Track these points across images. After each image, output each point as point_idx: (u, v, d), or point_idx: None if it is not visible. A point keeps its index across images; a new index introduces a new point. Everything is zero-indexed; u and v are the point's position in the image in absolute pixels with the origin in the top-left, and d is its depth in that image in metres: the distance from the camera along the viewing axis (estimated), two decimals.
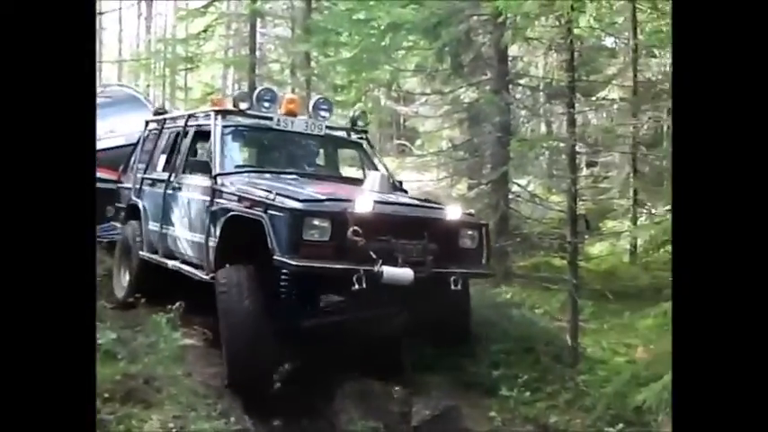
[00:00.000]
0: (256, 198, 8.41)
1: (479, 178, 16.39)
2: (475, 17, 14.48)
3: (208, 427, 7.12)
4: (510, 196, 14.53)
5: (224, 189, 9.16)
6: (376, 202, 8.23)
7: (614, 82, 16.79)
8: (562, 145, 11.18)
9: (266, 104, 10.24)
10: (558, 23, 10.97)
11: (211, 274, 8.91)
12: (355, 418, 8.34)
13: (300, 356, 8.76)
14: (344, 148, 11.64)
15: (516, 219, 14.75)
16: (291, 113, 10.34)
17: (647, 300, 9.70)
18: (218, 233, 8.97)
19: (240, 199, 8.76)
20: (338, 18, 19.47)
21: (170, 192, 10.55)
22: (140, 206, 11.34)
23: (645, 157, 15.85)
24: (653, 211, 15.42)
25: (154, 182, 11.25)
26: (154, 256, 10.75)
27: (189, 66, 26.10)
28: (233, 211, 8.77)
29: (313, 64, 21.11)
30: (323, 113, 10.57)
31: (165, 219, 10.57)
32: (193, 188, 9.98)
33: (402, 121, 30.04)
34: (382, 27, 15.90)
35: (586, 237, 14.18)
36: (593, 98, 16.72)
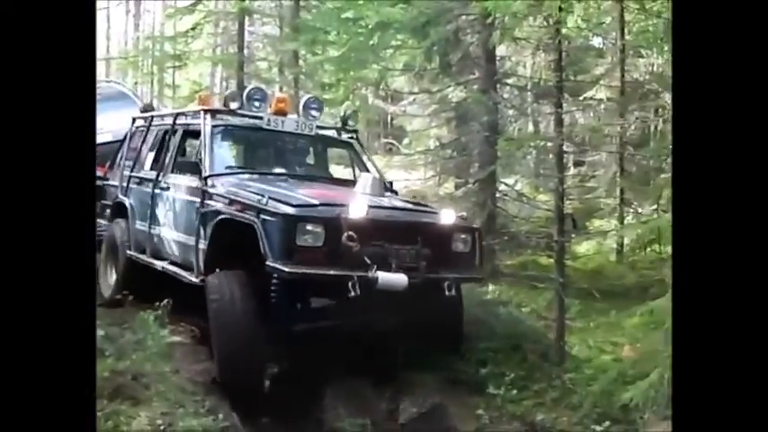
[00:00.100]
0: (248, 202, 8.33)
1: (467, 177, 16.43)
2: (463, 17, 14.51)
3: (196, 423, 7.11)
4: (497, 195, 14.55)
5: (214, 191, 9.07)
6: (369, 206, 8.15)
7: (602, 82, 16.84)
8: (549, 144, 11.22)
9: (257, 104, 10.12)
10: (546, 24, 11.01)
11: (201, 277, 8.83)
12: (342, 416, 8.37)
13: (292, 358, 8.75)
14: (335, 147, 11.55)
15: (503, 217, 14.79)
16: (281, 112, 10.21)
17: (634, 298, 9.77)
18: (208, 236, 8.87)
19: (231, 202, 8.67)
20: (326, 17, 19.50)
21: (158, 191, 10.43)
22: (127, 204, 11.22)
23: (632, 156, 15.89)
24: (639, 210, 15.50)
25: (141, 180, 11.12)
26: (141, 256, 10.62)
27: (177, 63, 26.07)
28: (223, 214, 8.68)
29: (301, 62, 21.12)
30: (313, 113, 10.42)
31: (153, 219, 10.46)
32: (182, 189, 9.87)
33: (390, 119, 30.04)
34: (370, 26, 15.95)
35: (573, 236, 14.18)
36: (581, 98, 16.76)
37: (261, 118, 10.10)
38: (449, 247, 8.65)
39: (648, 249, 14.49)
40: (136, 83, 30.74)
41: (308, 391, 8.56)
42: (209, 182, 9.21)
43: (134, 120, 12.38)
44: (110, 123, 12.72)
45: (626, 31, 15.56)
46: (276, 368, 8.57)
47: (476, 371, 9.15)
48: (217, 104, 10.38)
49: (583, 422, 8.08)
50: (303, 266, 7.71)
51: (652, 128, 17.69)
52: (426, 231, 8.46)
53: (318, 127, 10.57)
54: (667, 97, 15.43)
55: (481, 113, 14.36)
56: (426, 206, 9.89)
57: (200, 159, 9.60)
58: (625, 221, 15.30)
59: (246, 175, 9.62)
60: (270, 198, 8.07)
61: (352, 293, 7.63)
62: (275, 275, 7.88)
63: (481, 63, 14.58)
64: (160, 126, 11.49)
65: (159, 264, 10.14)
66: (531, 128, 20.94)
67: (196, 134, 10.23)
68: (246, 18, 21.35)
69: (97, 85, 15.25)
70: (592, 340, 10.41)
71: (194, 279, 9.05)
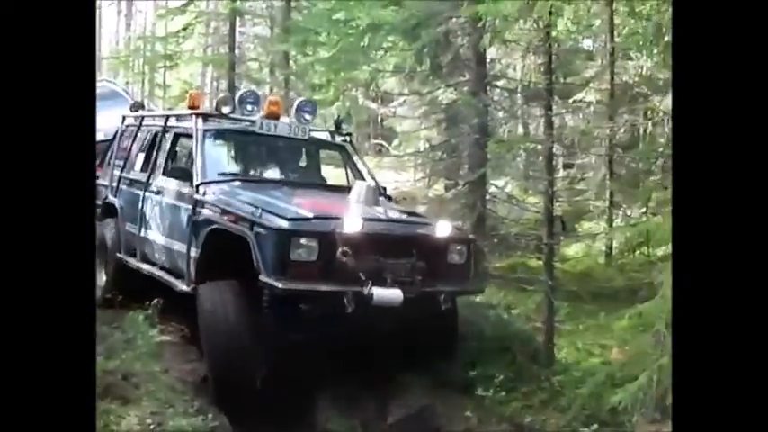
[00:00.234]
0: (241, 214, 8.27)
1: (456, 179, 16.42)
2: (454, 19, 14.50)
3: (185, 423, 7.15)
4: (487, 197, 14.55)
5: (206, 199, 8.99)
6: (364, 218, 8.12)
7: (591, 85, 16.87)
8: (539, 147, 11.24)
9: (249, 107, 10.06)
10: (536, 27, 11.01)
11: (192, 286, 8.77)
12: (332, 417, 8.39)
13: (283, 364, 8.73)
14: (328, 150, 11.49)
15: (493, 219, 14.78)
16: (274, 115, 10.13)
17: (623, 301, 9.76)
18: (200, 244, 8.80)
19: (224, 212, 8.60)
20: (317, 18, 19.51)
21: (148, 195, 10.36)
22: (117, 206, 11.18)
23: (621, 159, 15.92)
24: (629, 212, 15.51)
25: (131, 182, 11.07)
26: (131, 259, 10.59)
27: (168, 63, 26.12)
28: (216, 223, 8.61)
29: (292, 63, 21.13)
30: (306, 116, 10.33)
31: (144, 222, 10.39)
32: (173, 194, 9.80)
33: (380, 120, 30.07)
34: (361, 27, 15.96)
35: (562, 238, 14.24)
36: (571, 100, 16.77)
37: (253, 122, 10.00)
38: (444, 259, 8.63)
39: (637, 252, 14.51)
40: (127, 82, 30.72)
41: (298, 394, 8.56)
42: (201, 189, 9.14)
43: (124, 118, 12.30)
44: (103, 122, 12.69)
45: (615, 33, 15.60)
46: (267, 374, 8.52)
47: (465, 372, 9.16)
48: (207, 104, 10.33)
49: (571, 425, 8.08)
50: (297, 282, 7.67)
51: (641, 130, 17.73)
52: (422, 244, 8.42)
53: (311, 130, 10.47)
54: (656, 100, 15.47)
55: (471, 115, 14.36)
56: (421, 216, 9.80)
57: (192, 164, 9.53)
58: (614, 224, 15.32)
59: (239, 182, 9.53)
60: (263, 210, 8.04)
61: (346, 309, 7.62)
62: (268, 291, 7.80)
63: (471, 65, 14.57)
64: (151, 127, 11.39)
65: (149, 269, 10.08)
66: (520, 130, 20.98)
67: (187, 137, 10.15)
68: (237, 19, 21.38)
69: None
70: (580, 343, 10.42)
71: (185, 288, 8.99)
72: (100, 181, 11.86)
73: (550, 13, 9.11)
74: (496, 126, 16.92)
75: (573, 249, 15.87)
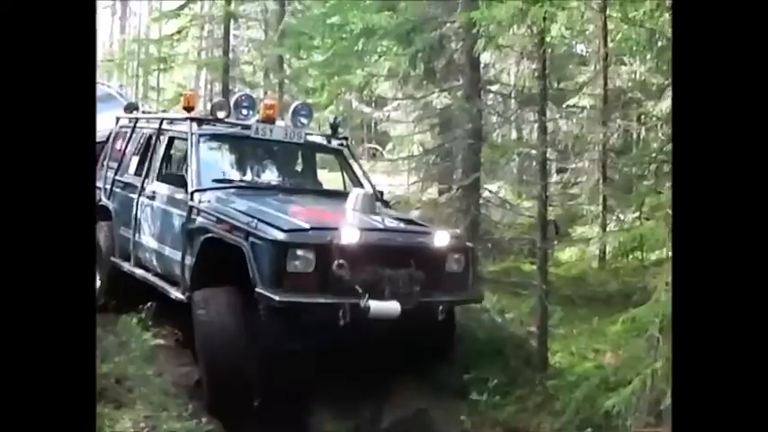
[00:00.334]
0: (236, 224, 8.20)
1: (450, 183, 16.47)
2: (448, 24, 14.56)
3: (179, 426, 7.14)
4: (481, 201, 14.59)
5: (201, 207, 8.92)
6: (361, 229, 8.05)
7: (585, 90, 16.89)
8: (533, 151, 11.28)
9: (244, 111, 9.96)
10: (530, 32, 11.04)
11: (187, 294, 8.72)
12: (327, 421, 8.40)
13: (279, 371, 8.71)
14: (324, 153, 11.47)
15: (487, 224, 14.83)
16: (270, 119, 10.05)
17: (616, 305, 9.76)
18: (195, 252, 8.73)
19: (219, 221, 8.53)
20: (312, 22, 19.55)
21: (143, 199, 10.28)
22: (111, 209, 11.09)
23: (614, 164, 15.94)
24: (622, 217, 15.52)
25: (125, 185, 10.99)
26: (125, 264, 10.52)
27: (162, 66, 26.17)
28: (211, 232, 8.53)
29: (286, 67, 21.18)
30: (302, 120, 10.27)
31: (138, 227, 10.31)
32: (168, 200, 9.73)
33: (374, 124, 30.09)
34: (356, 32, 15.99)
35: (556, 242, 14.28)
36: (564, 105, 16.82)
37: (249, 127, 9.92)
38: (442, 268, 8.55)
39: (631, 256, 14.53)
40: (121, 85, 30.70)
41: (292, 400, 8.56)
42: (196, 196, 9.07)
43: (118, 119, 12.22)
44: (97, 125, 12.62)
45: (609, 39, 15.60)
46: (262, 382, 8.50)
47: (459, 376, 9.17)
48: (201, 106, 10.26)
49: (565, 429, 8.08)
50: (293, 294, 7.61)
51: (635, 135, 17.76)
52: (420, 254, 8.37)
53: (307, 134, 10.40)
54: (650, 105, 15.50)
55: (465, 120, 14.40)
56: (419, 224, 9.66)
57: (186, 169, 9.47)
58: (607, 228, 15.34)
59: (234, 190, 9.45)
60: (259, 220, 7.98)
61: (343, 321, 7.57)
62: (265, 303, 7.73)
63: (465, 70, 14.61)
64: (145, 129, 11.31)
65: (144, 274, 10.02)
66: (514, 135, 21.06)
67: (182, 140, 10.07)
68: (232, 22, 21.39)
69: None
70: (574, 347, 10.41)
71: (180, 296, 8.93)
72: None
73: (544, 18, 9.13)
74: (490, 131, 16.97)
75: (566, 254, 15.92)
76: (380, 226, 8.77)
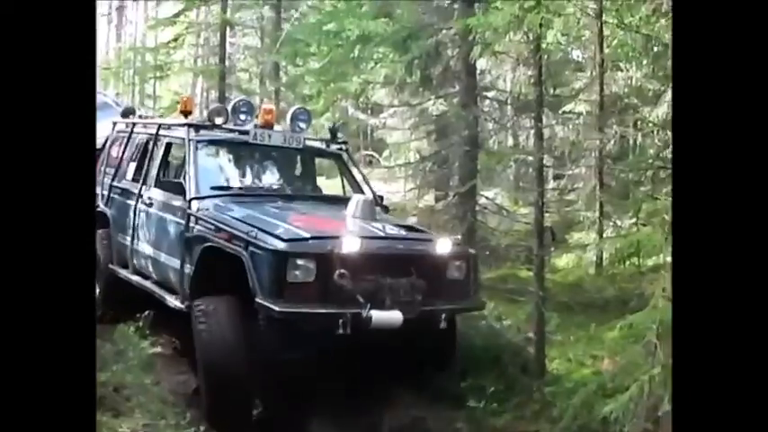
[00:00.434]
0: (236, 233, 8.11)
1: (447, 190, 16.47)
2: (444, 31, 14.57)
3: None
4: (477, 208, 14.58)
5: (200, 215, 8.82)
6: (362, 237, 7.95)
7: (581, 96, 16.91)
8: (529, 158, 11.28)
9: (242, 116, 9.86)
10: (526, 38, 11.07)
11: (186, 303, 8.64)
12: (326, 428, 8.38)
13: (278, 381, 8.68)
14: (323, 158, 11.41)
15: (483, 230, 14.82)
16: (268, 124, 10.00)
17: (613, 311, 9.78)
18: (194, 261, 8.64)
19: (218, 229, 8.44)
20: (308, 29, 19.58)
21: (141, 206, 10.21)
22: (109, 215, 11.03)
23: (611, 170, 15.94)
24: (619, 223, 15.51)
25: (123, 191, 10.92)
26: (123, 271, 10.47)
27: (158, 74, 26.15)
28: (210, 241, 8.44)
29: (282, 74, 21.19)
30: (301, 124, 10.17)
31: (136, 235, 10.24)
32: (166, 207, 9.65)
33: (370, 131, 30.11)
34: (352, 39, 16.00)
35: (553, 249, 14.28)
36: (560, 111, 16.80)
37: (247, 132, 9.83)
38: (444, 275, 8.45)
39: (628, 263, 14.53)
40: (117, 93, 30.76)
41: (291, 408, 8.54)
42: (194, 204, 8.98)
43: (115, 124, 12.18)
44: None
45: (605, 45, 15.63)
46: (262, 392, 8.46)
47: (456, 383, 9.16)
48: (198, 114, 10.18)
49: None
50: (294, 305, 7.51)
51: (631, 141, 17.78)
52: (421, 262, 8.28)
53: (306, 139, 10.32)
54: (646, 111, 15.51)
55: (461, 127, 14.40)
56: (420, 230, 9.54)
57: (184, 176, 9.38)
58: (604, 235, 15.34)
59: (232, 197, 9.39)
60: (258, 229, 7.91)
61: (344, 331, 7.48)
62: (265, 313, 7.65)
63: (461, 77, 14.62)
64: (142, 134, 11.25)
65: (142, 282, 9.95)
66: (510, 141, 21.09)
67: (180, 146, 10.03)
68: (228, 29, 21.39)
69: None
70: (571, 353, 10.41)
71: (179, 305, 8.85)
72: None
73: (540, 24, 9.14)
74: (486, 137, 16.98)
75: (563, 260, 15.91)
76: (381, 234, 8.59)
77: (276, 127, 10.24)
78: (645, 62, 16.33)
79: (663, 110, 14.36)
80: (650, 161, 13.01)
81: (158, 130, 10.67)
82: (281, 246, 7.65)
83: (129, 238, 10.39)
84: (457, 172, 15.31)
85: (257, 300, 7.53)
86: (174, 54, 24.87)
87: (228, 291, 8.10)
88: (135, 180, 10.72)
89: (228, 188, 9.77)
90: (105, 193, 11.20)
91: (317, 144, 11.00)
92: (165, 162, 10.47)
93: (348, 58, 16.43)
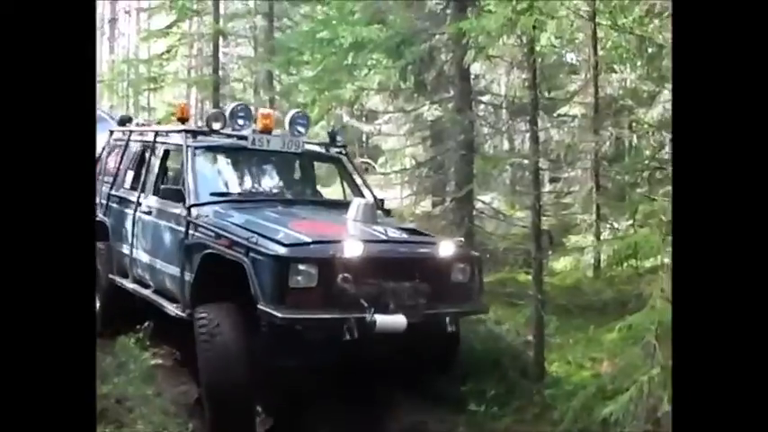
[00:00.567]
0: (236, 239, 8.02)
1: (443, 195, 16.49)
2: (437, 36, 14.59)
3: None
4: (474, 213, 14.58)
5: (199, 222, 8.75)
6: (364, 241, 7.84)
7: (576, 98, 16.90)
8: (525, 162, 11.27)
9: (240, 121, 9.82)
10: (519, 42, 11.08)
11: (188, 311, 8.56)
12: None
13: (280, 386, 8.64)
14: (323, 162, 11.36)
15: (481, 235, 14.82)
16: (267, 129, 9.90)
17: (612, 314, 9.76)
18: (194, 269, 8.55)
19: (218, 236, 8.35)
20: (301, 37, 19.56)
21: (139, 214, 10.14)
22: (108, 225, 10.96)
23: (607, 172, 15.93)
24: (616, 225, 15.51)
25: (121, 200, 10.85)
26: (124, 281, 10.39)
27: (152, 86, 26.12)
28: (210, 248, 8.36)
29: (276, 83, 21.19)
30: (300, 128, 10.07)
31: (135, 243, 10.17)
32: (165, 215, 9.56)
33: (365, 139, 30.12)
34: (345, 46, 15.98)
35: (550, 252, 14.28)
36: (556, 114, 16.82)
37: (245, 138, 9.76)
38: (448, 279, 8.38)
39: (625, 265, 14.52)
40: (111, 106, 30.77)
41: (292, 413, 8.52)
42: (194, 211, 8.92)
43: (112, 132, 12.12)
44: None
45: (599, 47, 15.63)
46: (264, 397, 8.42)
47: (456, 388, 9.14)
48: (192, 123, 10.12)
49: None
50: (296, 311, 7.44)
51: (626, 143, 17.77)
52: (424, 265, 8.22)
53: (305, 143, 10.25)
54: (641, 112, 15.52)
55: (456, 132, 14.42)
56: (422, 233, 9.36)
57: (183, 183, 9.31)
58: (601, 237, 15.33)
59: (232, 204, 9.28)
60: (259, 235, 7.84)
61: (349, 336, 7.41)
62: (267, 319, 7.57)
63: (456, 81, 14.64)
64: (139, 142, 11.19)
65: (142, 291, 9.88)
66: (506, 145, 21.08)
67: (177, 153, 9.97)
68: (221, 39, 21.39)
69: None
70: (571, 356, 10.40)
71: (181, 313, 8.76)
72: None
73: (534, 27, 9.13)
74: (482, 142, 16.99)
75: (561, 263, 15.90)
76: (383, 237, 8.57)
77: (275, 131, 10.16)
78: (639, 63, 16.30)
79: (658, 111, 14.37)
80: (646, 162, 13.03)
81: (156, 137, 10.63)
82: (282, 251, 7.58)
83: (128, 247, 10.33)
84: (453, 177, 15.34)
85: (259, 306, 7.43)
86: (167, 65, 24.85)
87: (230, 298, 8.02)
88: (133, 188, 10.68)
89: (228, 194, 9.67)
90: (104, 202, 11.11)
91: (317, 148, 10.94)
92: (163, 169, 10.39)
93: (342, 65, 16.42)
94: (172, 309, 9.01)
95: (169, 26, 23.49)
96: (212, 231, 8.49)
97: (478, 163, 13.96)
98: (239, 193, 9.82)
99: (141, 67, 27.09)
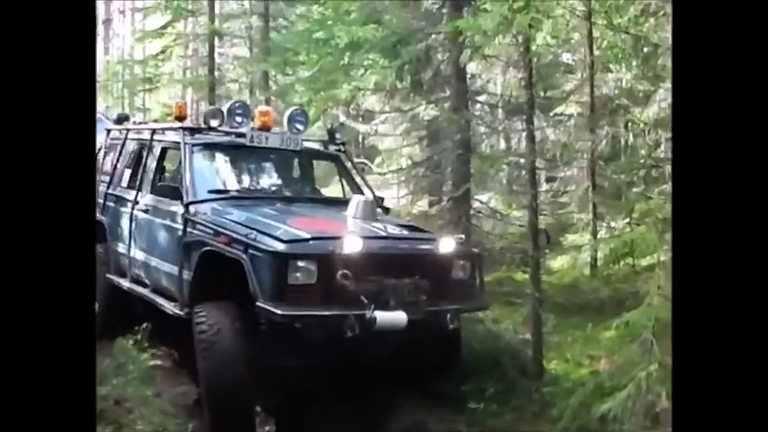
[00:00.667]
0: (235, 236, 7.98)
1: (440, 195, 16.48)
2: (433, 36, 14.59)
3: None
4: (471, 212, 14.58)
5: (197, 219, 8.71)
6: (364, 237, 7.80)
7: (572, 98, 16.92)
8: (522, 161, 11.28)
9: (238, 119, 9.74)
10: (515, 41, 11.07)
11: (186, 310, 8.50)
12: None
13: (280, 387, 8.63)
14: (321, 160, 11.31)
15: (478, 234, 14.81)
16: (265, 126, 9.84)
17: (609, 312, 9.80)
18: (192, 267, 8.51)
19: (216, 233, 8.31)
20: (297, 37, 19.55)
21: (137, 213, 10.11)
22: (105, 224, 10.91)
23: (603, 171, 15.95)
24: (612, 224, 15.54)
25: (118, 199, 10.82)
26: (122, 281, 10.35)
27: (148, 87, 26.09)
28: (209, 245, 8.32)
29: (272, 83, 21.18)
30: (298, 126, 9.99)
31: (133, 242, 10.13)
32: (163, 213, 9.52)
33: (361, 139, 30.10)
34: (341, 46, 15.99)
35: (547, 251, 14.28)
36: (552, 114, 16.83)
37: (244, 135, 9.71)
38: (448, 275, 8.33)
39: (622, 263, 14.56)
40: (107, 107, 30.71)
41: (293, 414, 8.53)
42: (192, 208, 8.88)
43: (108, 131, 12.09)
44: None
45: (594, 46, 15.64)
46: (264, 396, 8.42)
47: (456, 387, 9.15)
48: (188, 113, 10.07)
49: None
50: (296, 308, 7.38)
51: (622, 142, 17.80)
52: (425, 261, 8.19)
53: (304, 140, 10.19)
54: (637, 111, 15.55)
55: (453, 131, 14.40)
56: (422, 230, 9.40)
57: (181, 180, 9.28)
58: (598, 236, 15.34)
59: (230, 201, 9.23)
60: (258, 231, 7.79)
61: (348, 334, 7.38)
62: (266, 317, 7.52)
63: (452, 81, 14.62)
64: (136, 140, 11.17)
65: (141, 291, 9.85)
66: (502, 145, 21.06)
67: (175, 150, 9.94)
68: (216, 40, 21.37)
69: None
70: (569, 354, 10.42)
71: (179, 312, 8.71)
72: None
73: (530, 26, 9.16)
74: (479, 141, 17.00)
75: (558, 262, 15.93)
76: (383, 234, 8.50)
77: (274, 130, 10.11)
78: (635, 63, 16.34)
79: (653, 110, 14.42)
80: (642, 161, 13.06)
81: (153, 135, 10.61)
82: (280, 247, 7.54)
83: (125, 246, 10.31)
84: (450, 177, 15.31)
85: (258, 303, 7.39)
86: (162, 66, 24.86)
87: (228, 296, 7.98)
88: (130, 187, 10.65)
89: (226, 191, 9.62)
90: (101, 201, 11.02)
91: (316, 146, 10.88)
92: (160, 167, 10.36)
93: (338, 65, 16.40)
94: (170, 307, 8.96)
95: (164, 26, 23.49)
96: (211, 229, 8.45)
97: (475, 162, 13.96)
98: (237, 191, 9.77)
99: (136, 68, 27.11)
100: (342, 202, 9.56)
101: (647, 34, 14.15)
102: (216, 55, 21.48)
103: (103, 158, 11.80)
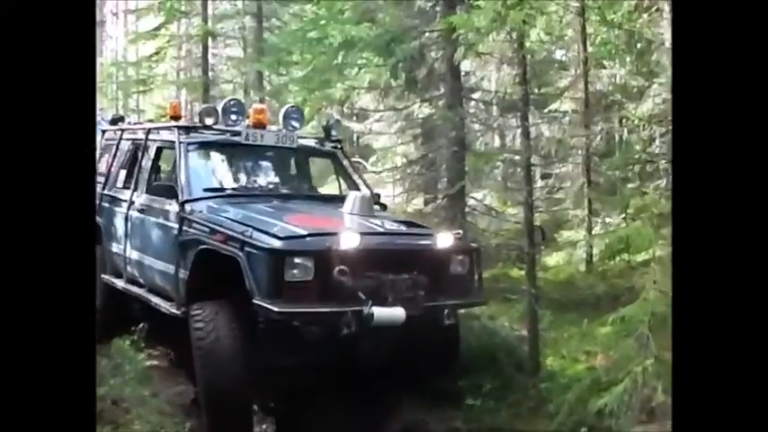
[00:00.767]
0: (231, 233, 7.94)
1: (435, 192, 16.50)
2: (427, 34, 14.60)
3: None
4: (466, 209, 14.59)
5: (193, 217, 8.69)
6: (361, 233, 7.75)
7: (566, 94, 16.91)
8: (517, 158, 11.28)
9: (233, 117, 9.71)
10: (509, 38, 11.06)
11: (182, 309, 8.50)
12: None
13: (278, 385, 8.62)
14: (317, 157, 11.23)
15: (473, 232, 14.81)
16: (260, 124, 9.84)
17: (605, 307, 9.80)
18: (188, 266, 8.49)
19: (212, 231, 8.28)
20: (290, 37, 19.54)
21: (132, 213, 10.09)
22: (100, 225, 10.88)
23: (598, 167, 15.95)
24: (607, 220, 15.55)
25: (113, 199, 10.81)
26: (118, 281, 10.33)
27: (141, 88, 26.08)
28: (205, 243, 8.30)
29: (266, 83, 21.17)
30: (294, 123, 10.02)
31: (129, 242, 10.11)
32: (158, 212, 9.50)
33: (356, 138, 30.08)
34: (335, 45, 15.98)
35: (543, 247, 14.28)
36: (546, 110, 16.82)
37: (239, 133, 9.69)
38: (446, 270, 8.31)
39: (618, 258, 14.56)
40: (101, 109, 30.66)
41: (290, 411, 8.52)
42: (187, 207, 8.86)
43: (104, 132, 12.07)
44: None
45: (588, 43, 15.64)
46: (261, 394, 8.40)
47: (453, 383, 9.15)
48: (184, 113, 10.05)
49: (560, 430, 8.10)
50: (293, 305, 7.37)
51: (617, 138, 17.80)
52: (422, 257, 8.16)
53: (300, 137, 10.18)
54: (631, 107, 15.54)
55: (448, 129, 14.41)
56: (420, 226, 9.38)
57: (176, 179, 9.24)
58: (594, 232, 15.35)
59: (226, 199, 9.21)
60: (254, 229, 7.75)
61: (346, 330, 7.36)
62: (263, 314, 7.50)
63: (446, 79, 14.64)
64: (131, 140, 11.15)
65: (137, 291, 9.83)
66: (497, 142, 21.05)
67: (170, 150, 9.91)
68: (210, 40, 21.36)
69: None
70: (565, 350, 10.42)
71: (176, 311, 8.70)
72: None
73: (524, 22, 9.15)
74: (473, 138, 17.00)
75: (554, 258, 15.91)
76: (381, 229, 8.45)
77: (269, 128, 10.09)
78: (628, 59, 16.35)
79: (647, 106, 14.41)
80: (637, 157, 13.06)
81: (148, 134, 10.57)
82: (277, 244, 7.51)
83: (121, 247, 10.29)
84: (445, 174, 15.33)
85: (255, 301, 7.36)
86: (156, 67, 24.86)
87: (225, 294, 7.96)
88: (126, 187, 10.64)
89: (222, 189, 9.60)
90: (96, 201, 10.89)
91: (311, 143, 10.87)
92: (155, 167, 10.35)
93: (332, 64, 16.40)
94: (166, 307, 8.95)
95: (157, 28, 23.49)
96: (207, 227, 8.43)
97: (470, 160, 13.97)
98: (233, 189, 9.72)
99: (130, 70, 27.09)
100: (339, 199, 9.50)
101: (640, 30, 14.17)
102: (209, 56, 21.48)
103: (99, 159, 11.73)
